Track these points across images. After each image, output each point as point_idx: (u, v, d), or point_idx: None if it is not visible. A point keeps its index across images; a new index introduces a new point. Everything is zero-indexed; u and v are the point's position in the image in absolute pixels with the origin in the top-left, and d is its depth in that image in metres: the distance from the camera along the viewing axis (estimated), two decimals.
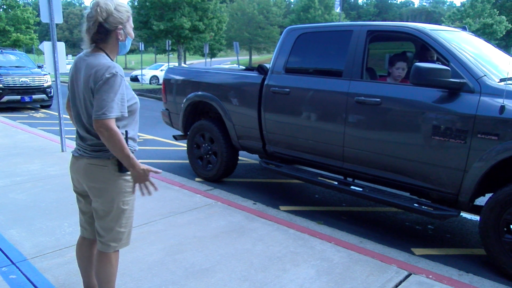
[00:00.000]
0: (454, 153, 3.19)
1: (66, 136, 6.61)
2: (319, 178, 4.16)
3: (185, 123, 5.65)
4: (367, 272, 2.97)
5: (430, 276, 2.94)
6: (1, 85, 11.62)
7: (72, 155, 2.22)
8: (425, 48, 4.08)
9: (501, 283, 2.95)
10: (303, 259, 3.15)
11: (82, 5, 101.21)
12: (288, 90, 4.31)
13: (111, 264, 2.25)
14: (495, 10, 41.76)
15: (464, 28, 4.37)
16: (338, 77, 3.98)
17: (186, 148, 5.69)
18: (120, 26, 2.05)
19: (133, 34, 2.17)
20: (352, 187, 3.94)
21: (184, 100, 5.48)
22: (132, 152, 2.14)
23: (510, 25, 39.88)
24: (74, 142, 2.27)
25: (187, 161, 5.72)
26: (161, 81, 25.94)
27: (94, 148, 2.10)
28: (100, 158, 2.08)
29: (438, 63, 3.50)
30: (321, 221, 4.00)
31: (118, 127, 2.00)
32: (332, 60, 4.32)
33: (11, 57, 13.16)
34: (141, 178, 2.08)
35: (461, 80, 3.18)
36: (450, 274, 2.99)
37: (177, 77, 5.77)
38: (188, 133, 5.61)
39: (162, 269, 2.93)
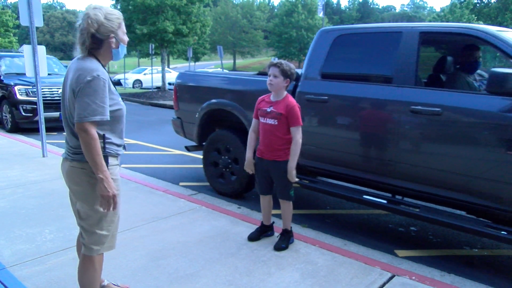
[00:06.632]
0: None
1: (47, 141, 6.49)
2: (364, 196, 3.71)
3: (200, 133, 5.19)
4: (351, 274, 2.99)
5: (413, 277, 2.97)
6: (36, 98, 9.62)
7: (62, 157, 2.26)
8: (471, 51, 3.80)
9: (482, 282, 3.00)
10: (288, 262, 3.16)
11: (64, 8, 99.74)
12: (326, 97, 3.93)
13: (94, 268, 2.25)
14: (473, 15, 42.77)
15: None
16: (388, 84, 3.61)
17: (172, 153, 5.63)
18: (112, 35, 2.08)
19: (125, 40, 2.19)
20: (408, 207, 3.48)
21: (200, 108, 5.04)
22: (116, 156, 2.17)
23: None
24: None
25: (172, 166, 5.67)
26: (144, 85, 25.73)
27: (75, 151, 2.11)
28: (80, 161, 2.09)
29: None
30: (305, 224, 4.01)
31: (100, 131, 2.03)
32: (378, 64, 3.88)
33: None
34: (105, 191, 2.02)
35: None
36: (432, 275, 3.03)
37: (192, 83, 5.38)
38: (204, 144, 5.15)
39: (146, 275, 2.89)
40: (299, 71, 4.27)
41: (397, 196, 3.74)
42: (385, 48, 3.78)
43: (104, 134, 2.08)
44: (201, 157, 5.22)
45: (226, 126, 5.04)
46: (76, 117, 1.97)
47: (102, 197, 2.04)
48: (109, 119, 2.04)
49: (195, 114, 5.13)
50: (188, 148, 5.54)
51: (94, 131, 1.97)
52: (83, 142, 1.97)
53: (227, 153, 4.86)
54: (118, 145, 2.20)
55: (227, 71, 9.13)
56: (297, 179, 3.35)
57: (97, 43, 2.06)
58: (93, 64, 2.03)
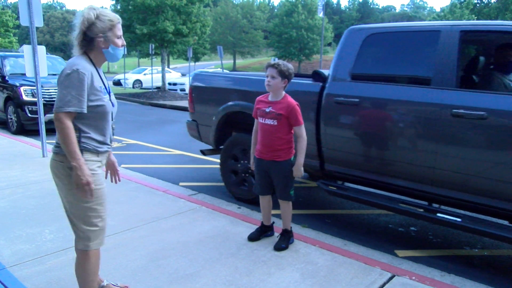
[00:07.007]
0: None
1: (47, 141, 6.50)
2: (400, 204, 3.52)
3: (218, 136, 5.00)
4: (351, 275, 2.99)
5: (413, 278, 2.97)
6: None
7: None
8: (509, 50, 3.64)
9: (482, 282, 3.00)
10: (288, 262, 3.16)
11: (64, 8, 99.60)
12: (357, 100, 3.74)
13: (89, 262, 2.28)
14: (473, 15, 42.77)
15: None
16: (425, 85, 3.42)
17: (172, 153, 5.62)
18: (100, 34, 2.17)
19: (118, 43, 2.24)
20: (448, 216, 3.29)
21: (218, 111, 4.84)
22: (95, 153, 2.20)
23: None
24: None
25: (171, 166, 5.67)
26: (144, 85, 25.71)
27: (56, 144, 2.18)
28: (58, 153, 2.16)
29: None
30: (305, 225, 4.01)
31: (80, 125, 2.12)
32: (414, 65, 3.69)
33: None
34: (78, 178, 2.06)
35: None
36: (432, 275, 3.03)
37: (209, 84, 5.19)
38: (222, 147, 4.95)
39: (146, 275, 2.89)
40: (326, 72, 4.11)
41: (434, 204, 3.56)
42: (422, 47, 3.59)
43: (80, 128, 2.13)
44: (202, 157, 5.19)
45: (244, 129, 4.73)
46: (54, 107, 2.06)
47: (77, 185, 2.07)
48: (85, 111, 2.09)
49: (212, 117, 4.95)
50: (203, 152, 5.34)
51: (68, 121, 2.04)
52: (57, 131, 2.05)
53: (245, 157, 4.66)
54: (100, 142, 2.22)
55: (227, 71, 9.11)
56: (301, 175, 3.37)
57: (87, 40, 2.17)
58: (78, 60, 2.13)
